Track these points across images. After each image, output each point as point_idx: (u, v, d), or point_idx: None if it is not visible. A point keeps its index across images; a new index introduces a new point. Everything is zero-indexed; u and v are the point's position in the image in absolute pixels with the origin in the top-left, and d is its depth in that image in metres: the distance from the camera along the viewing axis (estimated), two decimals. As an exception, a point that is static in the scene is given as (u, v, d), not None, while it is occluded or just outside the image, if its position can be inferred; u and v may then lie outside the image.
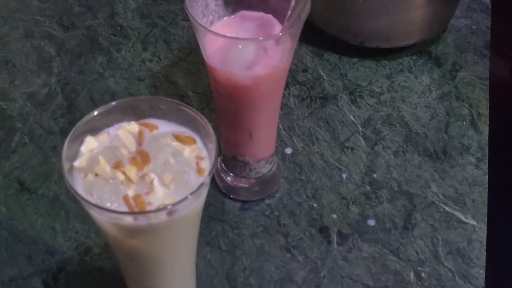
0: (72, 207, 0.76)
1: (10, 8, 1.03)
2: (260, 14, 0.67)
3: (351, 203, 0.77)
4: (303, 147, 0.83)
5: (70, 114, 0.86)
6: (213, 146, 0.52)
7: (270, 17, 0.67)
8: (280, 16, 0.66)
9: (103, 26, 1.00)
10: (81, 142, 0.52)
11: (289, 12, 0.65)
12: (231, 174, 0.77)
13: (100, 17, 1.02)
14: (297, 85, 0.91)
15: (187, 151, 0.52)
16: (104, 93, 0.89)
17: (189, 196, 0.48)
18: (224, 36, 0.61)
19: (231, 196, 0.77)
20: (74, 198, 0.74)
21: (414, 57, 0.95)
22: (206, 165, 0.52)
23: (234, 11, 0.68)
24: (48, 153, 0.82)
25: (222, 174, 0.78)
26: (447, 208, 0.76)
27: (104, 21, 1.01)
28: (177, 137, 0.53)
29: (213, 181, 0.78)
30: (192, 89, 0.90)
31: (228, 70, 0.63)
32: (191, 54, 0.95)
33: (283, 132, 0.84)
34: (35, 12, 1.03)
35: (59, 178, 0.79)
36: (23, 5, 1.04)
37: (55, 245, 0.73)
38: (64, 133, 0.84)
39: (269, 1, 0.67)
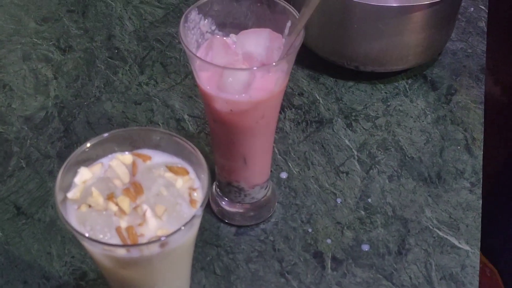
0: (68, 232, 0.76)
1: (7, 31, 1.04)
2: (259, 29, 0.67)
3: (345, 228, 0.77)
4: (298, 172, 0.83)
5: (66, 138, 0.87)
6: (205, 177, 0.52)
7: (269, 31, 0.67)
8: (278, 29, 0.66)
9: (100, 49, 1.01)
10: (75, 173, 0.53)
11: (283, 40, 0.66)
12: (226, 199, 0.77)
13: (97, 40, 1.02)
14: (293, 109, 0.91)
15: (180, 182, 0.53)
16: (101, 117, 0.90)
17: (182, 228, 0.48)
18: (217, 66, 0.62)
19: (226, 221, 0.77)
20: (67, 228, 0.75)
21: (409, 81, 0.95)
22: (199, 196, 0.52)
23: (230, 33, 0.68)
24: (45, 178, 0.82)
25: (217, 199, 0.78)
26: (440, 233, 0.77)
27: (101, 44, 1.02)
28: (170, 168, 0.53)
29: (208, 206, 0.78)
30: (188, 113, 0.90)
31: (223, 96, 0.64)
32: (187, 77, 0.96)
33: (279, 156, 0.85)
34: (32, 35, 1.03)
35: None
36: (21, 28, 1.05)
37: (51, 270, 0.73)
38: (60, 157, 0.84)
39: (264, 18, 0.67)
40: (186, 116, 0.90)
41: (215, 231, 0.77)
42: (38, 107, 0.91)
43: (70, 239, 0.75)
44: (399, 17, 0.87)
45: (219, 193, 0.77)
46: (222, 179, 0.75)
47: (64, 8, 1.09)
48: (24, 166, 0.83)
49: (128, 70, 0.97)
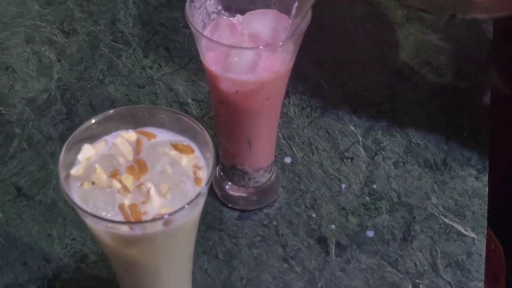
0: (69, 214, 0.75)
1: (11, 13, 1.03)
2: (265, 10, 0.67)
3: (350, 213, 0.76)
4: (303, 157, 0.82)
5: (69, 120, 0.86)
6: (211, 156, 0.51)
7: (275, 11, 0.66)
8: (284, 10, 0.66)
9: (104, 32, 1.00)
10: (79, 150, 0.52)
11: (290, 21, 0.65)
12: (230, 183, 0.76)
13: (101, 23, 1.02)
14: (298, 94, 0.90)
15: (185, 161, 0.52)
16: (104, 100, 0.89)
17: (186, 206, 0.47)
18: (224, 45, 0.61)
19: (229, 205, 0.77)
20: (70, 204, 0.74)
21: (415, 68, 0.95)
22: (204, 174, 0.51)
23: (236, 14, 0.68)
24: (47, 159, 0.81)
25: (221, 183, 0.77)
26: (446, 220, 0.76)
27: (105, 28, 1.01)
28: (175, 146, 0.53)
29: (211, 190, 0.77)
30: (192, 97, 0.89)
31: (229, 76, 0.63)
32: (191, 61, 0.95)
33: (283, 141, 0.84)
34: (36, 18, 1.02)
35: (56, 185, 0.78)
36: (24, 10, 1.04)
37: (51, 252, 0.72)
38: (63, 139, 0.83)
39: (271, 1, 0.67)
40: (189, 100, 0.89)
41: (218, 215, 0.76)
42: (41, 89, 0.91)
43: (71, 221, 0.75)
44: None
45: (223, 176, 0.77)
46: (226, 162, 0.75)
47: (68, -9, 1.08)
48: (26, 147, 0.83)
49: (132, 53, 0.96)
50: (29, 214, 0.76)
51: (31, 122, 0.86)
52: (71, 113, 0.87)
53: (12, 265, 0.71)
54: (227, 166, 0.75)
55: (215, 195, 0.77)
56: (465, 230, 0.75)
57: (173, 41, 0.99)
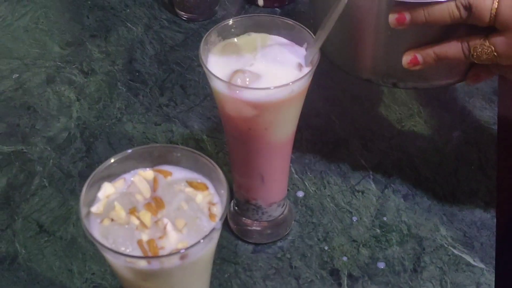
0: (89, 249, 0.78)
1: (32, 55, 1.07)
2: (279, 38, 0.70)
3: (361, 245, 0.78)
4: (315, 191, 0.85)
5: (88, 158, 0.89)
6: (225, 192, 0.54)
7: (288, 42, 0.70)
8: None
9: (122, 72, 1.03)
10: (99, 188, 0.55)
11: (301, 62, 0.67)
12: (244, 217, 0.79)
13: (118, 63, 1.05)
14: (310, 130, 0.93)
15: (200, 197, 0.54)
16: (121, 138, 0.92)
17: (201, 241, 0.50)
18: (236, 86, 0.63)
19: (244, 239, 0.79)
20: (91, 240, 0.77)
21: (423, 103, 0.97)
22: (218, 210, 0.54)
23: None
24: (67, 196, 0.84)
25: (235, 217, 0.80)
26: (455, 251, 0.77)
27: (123, 67, 1.04)
28: (190, 183, 0.55)
29: (226, 224, 0.80)
30: (207, 134, 0.92)
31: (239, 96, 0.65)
32: (206, 99, 0.98)
33: (295, 175, 0.86)
34: (56, 59, 1.06)
35: (76, 221, 0.81)
36: (45, 52, 1.07)
37: (71, 286, 0.74)
38: (82, 177, 0.86)
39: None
40: (204, 137, 0.92)
41: (233, 249, 0.78)
42: (61, 128, 0.94)
43: (91, 256, 0.77)
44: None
45: (237, 211, 0.79)
46: (240, 197, 0.77)
47: (87, 33, 1.12)
48: (46, 185, 0.86)
49: (149, 92, 1.00)
50: (50, 249, 0.78)
51: (51, 160, 0.89)
52: (90, 151, 0.90)
53: (35, 299, 0.73)
54: (241, 201, 0.78)
55: (229, 229, 0.80)
56: (474, 260, 0.77)
57: (188, 79, 1.02)
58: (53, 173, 0.87)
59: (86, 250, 0.78)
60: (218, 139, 0.91)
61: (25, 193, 0.84)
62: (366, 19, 0.76)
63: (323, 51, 0.68)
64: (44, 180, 0.86)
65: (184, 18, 1.14)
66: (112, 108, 0.97)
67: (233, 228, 0.80)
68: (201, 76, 1.02)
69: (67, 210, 0.82)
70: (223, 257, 0.77)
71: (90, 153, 0.90)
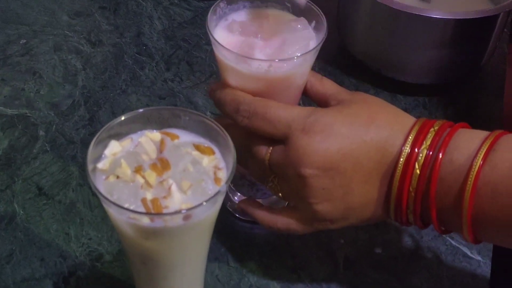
0: (87, 215, 0.78)
1: (41, 22, 1.07)
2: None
3: (359, 229, 0.78)
4: (316, 173, 0.84)
5: (91, 126, 0.89)
6: (231, 158, 0.54)
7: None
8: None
9: (129, 44, 1.03)
10: (106, 145, 0.54)
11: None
12: (239, 193, 0.78)
13: (126, 36, 1.05)
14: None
15: (206, 161, 0.54)
16: (125, 108, 0.92)
17: (205, 203, 0.50)
18: (238, 55, 0.63)
19: (237, 216, 0.79)
20: (89, 205, 0.77)
21: (429, 94, 0.97)
22: (223, 175, 0.54)
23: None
24: (68, 162, 0.84)
25: (230, 194, 0.79)
26: (453, 242, 0.78)
27: (130, 40, 1.04)
28: (197, 147, 0.55)
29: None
30: (210, 110, 0.92)
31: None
32: (212, 76, 0.98)
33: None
34: (64, 27, 1.06)
35: (76, 186, 0.81)
36: (54, 20, 1.07)
37: (68, 249, 0.74)
38: (84, 143, 0.86)
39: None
40: (208, 113, 0.92)
41: (232, 225, 0.78)
42: (65, 95, 0.94)
43: (88, 221, 0.77)
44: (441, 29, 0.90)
45: (232, 187, 0.79)
46: (236, 172, 0.76)
47: (96, 4, 1.11)
48: (48, 149, 0.85)
49: (155, 66, 0.99)
50: (48, 212, 0.78)
51: (54, 126, 0.89)
52: (93, 119, 0.90)
53: (30, 260, 0.73)
54: (236, 176, 0.77)
55: (224, 206, 0.79)
56: (471, 252, 0.77)
57: (195, 56, 1.02)
58: (56, 138, 0.87)
59: (84, 215, 0.78)
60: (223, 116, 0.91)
61: (27, 156, 0.84)
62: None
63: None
64: (46, 144, 0.86)
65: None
66: (118, 79, 0.97)
67: (226, 204, 0.79)
68: (208, 54, 1.02)
69: (68, 175, 0.82)
70: (220, 232, 0.77)
71: (93, 121, 0.90)
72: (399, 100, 0.96)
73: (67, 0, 1.12)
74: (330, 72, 1.00)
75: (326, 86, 0.67)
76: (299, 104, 0.71)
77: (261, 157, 0.63)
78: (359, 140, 0.59)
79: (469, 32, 0.90)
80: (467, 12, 0.87)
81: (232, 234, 0.77)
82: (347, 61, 1.01)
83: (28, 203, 0.79)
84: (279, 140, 0.63)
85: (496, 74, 1.01)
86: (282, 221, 0.66)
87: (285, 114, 0.61)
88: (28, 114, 0.90)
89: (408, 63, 0.93)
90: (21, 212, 0.78)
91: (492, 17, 0.88)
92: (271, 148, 0.63)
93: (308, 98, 0.70)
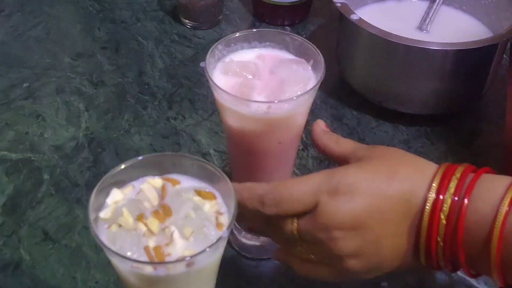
0: (93, 258, 0.78)
1: (43, 65, 1.08)
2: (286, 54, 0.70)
3: (365, 264, 0.78)
4: (320, 208, 0.84)
5: (95, 168, 0.89)
6: (232, 202, 0.54)
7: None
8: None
9: (131, 84, 1.04)
10: (107, 194, 0.55)
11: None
12: (243, 232, 0.79)
13: (128, 76, 1.06)
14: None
15: (207, 206, 0.55)
16: (129, 149, 0.92)
17: (207, 249, 0.50)
18: (237, 97, 0.64)
19: (243, 254, 0.79)
20: (95, 248, 0.77)
21: (431, 124, 0.97)
22: (225, 220, 0.54)
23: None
24: (73, 205, 0.84)
25: (235, 232, 0.80)
26: (459, 273, 0.77)
27: (132, 80, 1.05)
28: (198, 193, 0.55)
29: (227, 240, 0.80)
30: (214, 148, 0.93)
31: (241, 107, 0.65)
32: (214, 113, 0.98)
33: (301, 192, 0.86)
34: (66, 69, 1.07)
35: (81, 230, 0.81)
36: (56, 62, 1.09)
37: (75, 294, 0.75)
38: (89, 186, 0.87)
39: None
40: (211, 151, 0.92)
41: (237, 263, 0.78)
42: (69, 137, 0.94)
43: (95, 264, 0.77)
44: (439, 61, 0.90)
45: (237, 225, 0.79)
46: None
47: (97, 45, 1.13)
48: (53, 193, 0.86)
49: (157, 105, 1.00)
50: (54, 257, 0.78)
51: (59, 169, 0.89)
52: (97, 161, 0.91)
53: (37, 306, 0.73)
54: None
55: (229, 244, 0.80)
56: (478, 283, 0.76)
57: (197, 93, 1.03)
58: (60, 181, 0.87)
59: (91, 259, 0.78)
60: (225, 154, 0.92)
61: (32, 201, 0.85)
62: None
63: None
64: (51, 188, 0.87)
65: (188, 26, 1.17)
66: (120, 119, 0.98)
67: (232, 243, 0.79)
68: (210, 91, 1.02)
69: (73, 219, 0.83)
70: (226, 272, 0.76)
71: (97, 163, 0.90)
72: (401, 131, 0.96)
73: (69, 42, 1.13)
74: (331, 104, 1.00)
75: (344, 146, 0.67)
76: (302, 138, 0.71)
77: (289, 230, 0.63)
78: (383, 196, 0.60)
79: (469, 62, 0.90)
80: (466, 43, 0.87)
81: (239, 274, 0.77)
82: (348, 94, 1.01)
83: (34, 248, 0.79)
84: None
85: (496, 102, 1.01)
86: (316, 273, 0.66)
87: (308, 187, 0.61)
88: (33, 158, 0.91)
89: (409, 95, 0.94)
90: (28, 257, 0.78)
91: (491, 46, 0.89)
92: (295, 219, 0.63)
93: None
